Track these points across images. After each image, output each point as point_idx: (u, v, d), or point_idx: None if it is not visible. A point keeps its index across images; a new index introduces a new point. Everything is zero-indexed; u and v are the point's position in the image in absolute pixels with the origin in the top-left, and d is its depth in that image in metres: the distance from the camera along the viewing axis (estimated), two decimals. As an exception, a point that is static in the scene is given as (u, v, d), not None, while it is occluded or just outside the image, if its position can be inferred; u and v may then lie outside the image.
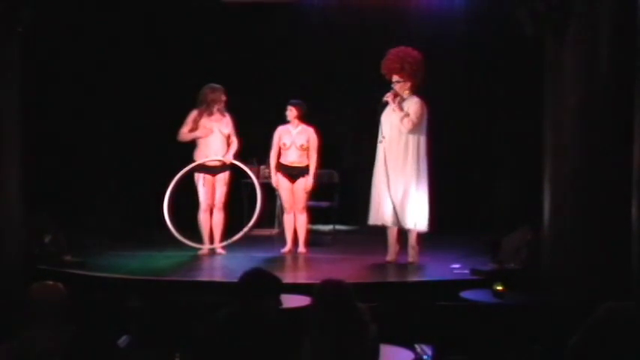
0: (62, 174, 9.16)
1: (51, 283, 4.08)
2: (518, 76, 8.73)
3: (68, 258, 7.43)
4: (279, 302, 4.19)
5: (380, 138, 7.56)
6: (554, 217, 6.29)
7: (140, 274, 7.10)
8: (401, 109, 7.48)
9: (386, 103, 7.57)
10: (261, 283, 4.20)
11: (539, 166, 6.57)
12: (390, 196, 7.50)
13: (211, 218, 8.11)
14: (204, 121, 8.01)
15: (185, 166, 8.07)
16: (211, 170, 8.03)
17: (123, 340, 5.30)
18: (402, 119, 7.45)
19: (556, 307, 5.71)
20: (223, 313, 4.09)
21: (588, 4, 5.98)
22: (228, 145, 8.09)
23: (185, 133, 8.04)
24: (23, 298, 4.05)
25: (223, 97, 8.04)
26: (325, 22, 9.59)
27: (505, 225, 7.67)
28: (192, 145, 8.11)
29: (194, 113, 8.02)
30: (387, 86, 7.72)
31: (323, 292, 3.88)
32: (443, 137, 7.93)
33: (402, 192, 7.50)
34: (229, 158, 8.06)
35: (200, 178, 8.03)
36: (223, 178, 8.11)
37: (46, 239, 7.47)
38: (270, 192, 9.04)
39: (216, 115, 8.04)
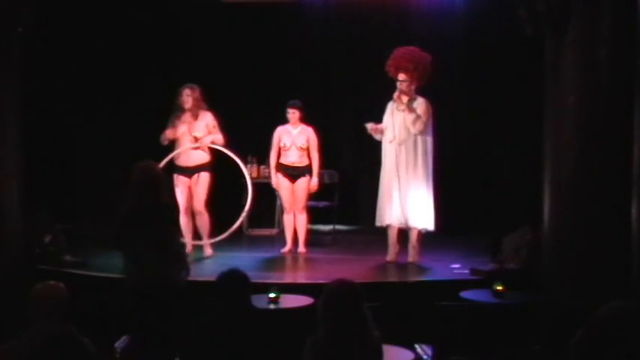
0: (62, 174, 9.16)
1: (53, 282, 4.08)
2: (518, 76, 8.73)
3: (68, 258, 7.44)
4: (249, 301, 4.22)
5: (390, 137, 7.56)
6: (554, 217, 6.29)
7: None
8: (411, 109, 7.49)
9: (394, 102, 7.57)
10: (234, 284, 4.23)
11: (539, 166, 6.57)
12: (400, 196, 7.51)
13: (194, 220, 7.86)
14: (177, 123, 7.82)
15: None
16: (186, 171, 7.79)
17: (123, 340, 5.31)
18: (414, 121, 7.46)
19: (556, 307, 5.71)
20: (203, 317, 4.12)
21: (588, 4, 5.98)
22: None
23: (164, 136, 7.83)
24: (23, 298, 4.05)
25: (188, 95, 7.76)
26: (325, 22, 9.59)
27: (505, 225, 7.67)
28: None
29: (173, 115, 7.87)
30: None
31: (334, 292, 3.85)
32: (442, 137, 7.92)
33: (413, 192, 7.52)
34: (207, 140, 7.77)
35: (175, 180, 7.76)
36: (198, 178, 7.85)
37: (46, 239, 7.47)
38: (270, 192, 9.05)
39: (188, 118, 7.82)
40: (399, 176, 7.49)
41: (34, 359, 3.12)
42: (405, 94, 7.54)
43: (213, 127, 7.86)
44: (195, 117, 7.81)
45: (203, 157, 7.89)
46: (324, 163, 8.55)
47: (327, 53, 9.67)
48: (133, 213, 5.21)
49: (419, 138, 7.52)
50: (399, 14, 9.35)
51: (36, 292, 3.99)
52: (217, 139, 7.85)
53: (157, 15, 9.39)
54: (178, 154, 7.80)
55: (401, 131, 7.52)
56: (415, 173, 7.52)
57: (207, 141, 7.80)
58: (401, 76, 7.55)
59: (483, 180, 9.35)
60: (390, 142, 7.54)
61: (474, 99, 9.45)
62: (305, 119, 8.32)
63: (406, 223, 7.56)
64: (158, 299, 5.04)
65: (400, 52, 7.60)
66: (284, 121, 8.32)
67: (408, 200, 7.51)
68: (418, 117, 7.46)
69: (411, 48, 7.64)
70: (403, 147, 7.52)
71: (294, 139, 8.27)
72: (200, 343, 4.02)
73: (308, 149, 8.29)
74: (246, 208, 8.05)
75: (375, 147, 7.88)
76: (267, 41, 9.60)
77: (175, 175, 7.78)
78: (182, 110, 7.83)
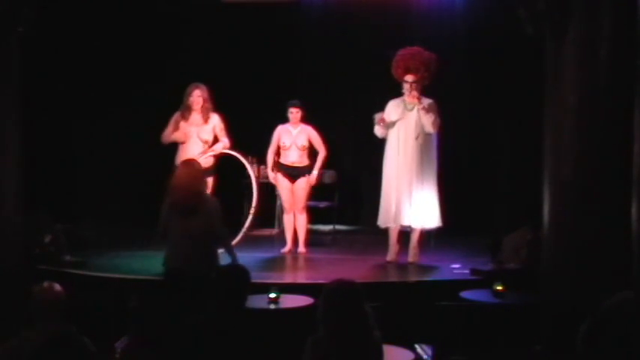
0: (62, 174, 9.16)
1: (49, 284, 4.07)
2: (518, 76, 8.73)
3: (68, 258, 7.44)
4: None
5: (415, 135, 7.56)
6: (554, 217, 6.29)
7: (140, 274, 7.10)
8: (427, 110, 7.52)
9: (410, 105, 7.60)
10: (239, 281, 4.22)
11: (539, 166, 6.57)
12: (415, 195, 7.53)
13: None
14: (184, 125, 7.73)
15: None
16: None
17: (123, 340, 5.31)
18: (433, 123, 7.50)
19: (556, 307, 5.71)
20: (198, 319, 4.10)
21: (588, 3, 5.97)
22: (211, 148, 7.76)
23: (166, 136, 7.76)
24: (23, 298, 4.05)
25: (199, 96, 7.68)
26: (325, 22, 9.59)
27: (505, 225, 7.67)
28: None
29: (176, 115, 7.79)
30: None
31: (334, 291, 3.84)
32: (442, 137, 7.93)
33: (425, 191, 7.57)
34: (218, 148, 7.76)
35: None
36: None
37: (46, 239, 7.47)
38: (270, 192, 9.05)
39: (196, 119, 7.73)
40: (415, 175, 7.52)
41: (35, 359, 3.12)
42: (419, 95, 7.58)
43: (221, 129, 7.79)
44: (206, 119, 7.74)
45: (208, 160, 7.86)
46: (322, 168, 8.52)
47: (327, 53, 9.67)
48: (175, 205, 5.73)
49: (428, 137, 7.57)
50: (399, 14, 9.35)
51: (34, 294, 3.99)
52: (224, 143, 7.80)
53: (157, 15, 9.39)
54: (180, 158, 7.55)
55: (417, 131, 7.54)
56: (428, 172, 7.58)
57: (218, 149, 7.75)
58: (410, 78, 7.57)
59: (483, 180, 9.35)
60: (416, 139, 7.55)
61: (474, 99, 9.45)
62: (305, 119, 8.32)
63: (415, 223, 7.59)
64: (184, 284, 5.40)
65: (408, 53, 7.60)
66: (284, 121, 8.32)
67: (419, 200, 7.55)
68: (435, 117, 7.51)
69: (417, 48, 7.65)
70: (421, 146, 7.55)
71: (295, 139, 8.28)
72: (192, 344, 4.01)
73: (308, 149, 8.32)
74: (253, 204, 8.03)
75: (375, 146, 7.88)
76: (267, 41, 9.60)
77: None
78: (189, 110, 7.73)
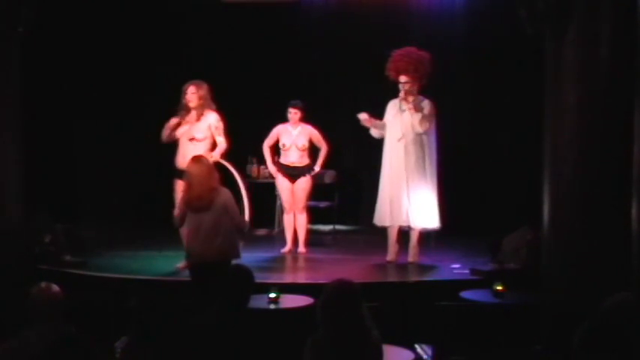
0: (62, 174, 9.16)
1: (45, 285, 4.07)
2: (518, 76, 8.73)
3: (68, 258, 7.45)
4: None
5: (399, 136, 7.57)
6: (554, 217, 6.28)
7: (140, 274, 7.10)
8: (417, 109, 7.52)
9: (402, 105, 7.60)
10: (243, 281, 4.22)
11: (539, 166, 6.57)
12: (407, 196, 7.52)
13: None
14: (182, 123, 7.41)
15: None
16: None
17: (123, 341, 5.31)
18: (421, 121, 7.48)
19: (556, 307, 5.71)
20: (199, 319, 4.09)
21: (588, 3, 5.97)
22: (211, 149, 7.36)
23: (164, 136, 7.43)
24: (23, 298, 4.05)
25: (193, 93, 7.35)
26: (325, 22, 9.59)
27: (505, 225, 7.67)
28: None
29: (176, 117, 7.45)
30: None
31: (333, 292, 3.84)
32: (443, 137, 7.93)
33: (419, 192, 7.55)
34: (216, 156, 7.28)
35: (175, 185, 7.31)
36: None
37: (46, 239, 7.47)
38: (270, 192, 9.05)
39: (192, 118, 7.39)
40: (407, 176, 7.51)
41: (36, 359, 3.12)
42: (410, 94, 7.57)
43: (216, 128, 7.36)
44: (199, 117, 7.35)
45: None
46: (323, 163, 8.53)
47: (327, 53, 9.67)
48: (191, 203, 6.01)
49: (424, 137, 7.57)
50: (399, 14, 9.36)
51: (31, 295, 3.99)
52: (221, 144, 7.38)
53: (157, 15, 9.40)
54: (177, 159, 7.35)
55: (407, 130, 7.54)
56: (421, 173, 7.56)
57: (216, 156, 7.29)
58: (403, 79, 7.58)
59: (483, 180, 9.35)
60: (399, 140, 7.55)
61: (474, 99, 9.45)
62: (305, 119, 8.33)
63: (412, 223, 7.58)
64: (209, 277, 5.53)
65: (399, 55, 7.62)
66: (284, 121, 8.33)
67: (414, 200, 7.53)
68: (425, 116, 7.50)
69: (409, 49, 7.64)
70: (410, 146, 7.54)
71: (295, 140, 8.28)
72: (192, 344, 4.01)
73: (308, 149, 8.32)
74: (246, 213, 7.82)
75: (375, 146, 7.88)
76: (267, 41, 9.60)
77: (176, 180, 7.30)
78: (187, 110, 7.38)
